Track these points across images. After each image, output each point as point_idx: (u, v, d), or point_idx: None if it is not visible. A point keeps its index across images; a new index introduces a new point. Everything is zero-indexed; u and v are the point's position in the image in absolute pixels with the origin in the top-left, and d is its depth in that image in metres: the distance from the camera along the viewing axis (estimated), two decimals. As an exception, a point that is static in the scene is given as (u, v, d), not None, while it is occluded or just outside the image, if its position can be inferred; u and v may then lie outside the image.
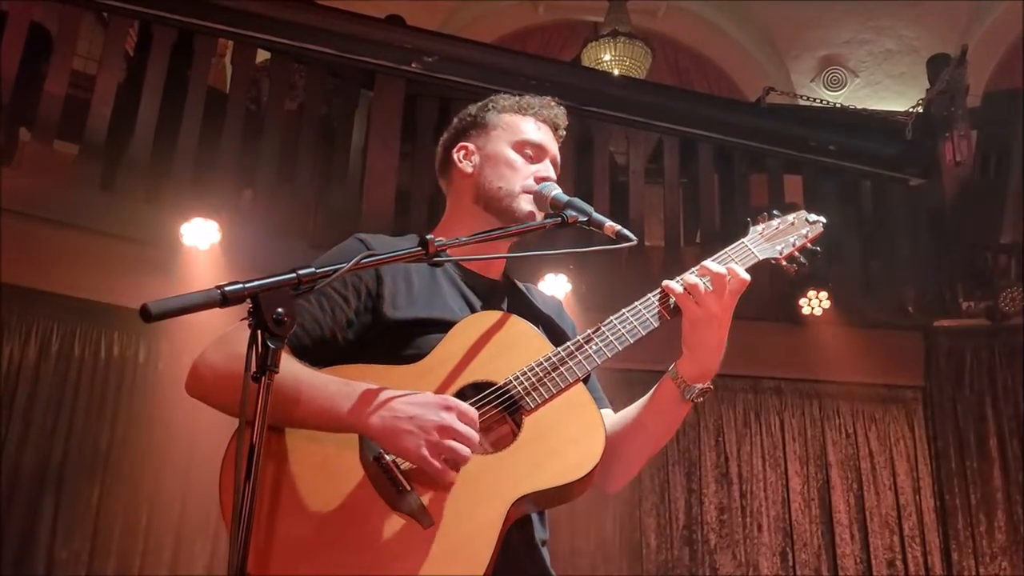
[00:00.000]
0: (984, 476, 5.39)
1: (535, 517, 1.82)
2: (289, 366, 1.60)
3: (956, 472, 5.46)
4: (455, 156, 2.00)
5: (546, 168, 1.97)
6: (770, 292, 5.18)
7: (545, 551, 1.84)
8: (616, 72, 7.51)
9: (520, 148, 1.97)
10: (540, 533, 1.84)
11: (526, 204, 1.91)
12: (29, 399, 4.36)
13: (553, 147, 2.02)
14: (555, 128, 2.04)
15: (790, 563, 5.39)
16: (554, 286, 5.02)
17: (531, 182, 1.93)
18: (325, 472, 1.63)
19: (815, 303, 5.31)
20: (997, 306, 5.38)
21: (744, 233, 1.95)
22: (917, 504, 5.49)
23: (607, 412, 1.98)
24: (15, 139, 4.83)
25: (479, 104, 2.05)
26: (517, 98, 2.04)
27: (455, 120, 2.07)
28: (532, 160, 1.97)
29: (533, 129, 1.99)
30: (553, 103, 2.05)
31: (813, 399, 5.63)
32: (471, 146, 2.00)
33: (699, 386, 1.79)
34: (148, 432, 4.56)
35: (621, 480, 1.92)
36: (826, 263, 5.47)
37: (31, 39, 4.66)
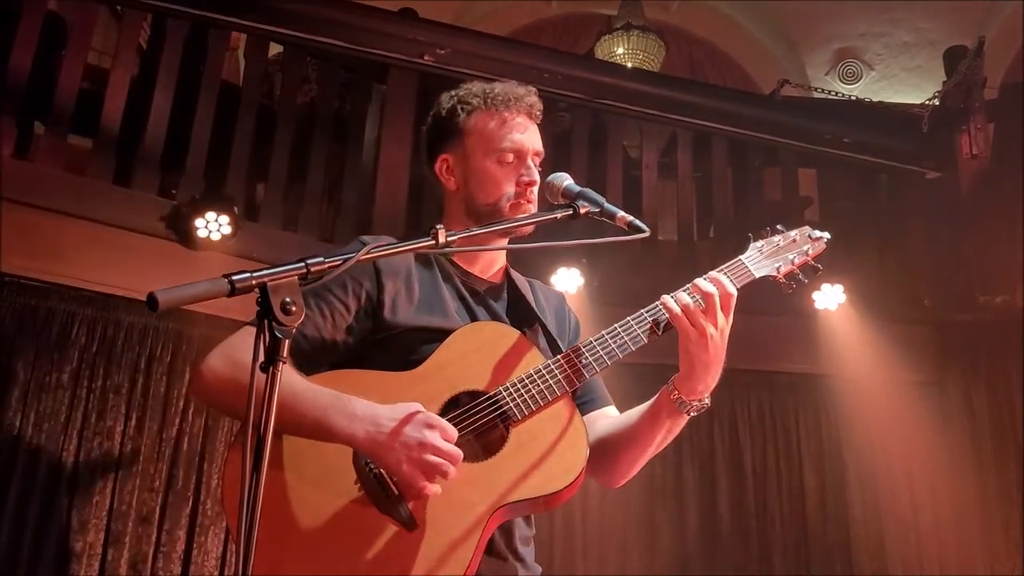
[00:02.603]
0: (1001, 472, 5.35)
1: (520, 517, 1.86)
2: (285, 375, 1.62)
3: (971, 468, 5.42)
4: (438, 172, 1.99)
5: (528, 171, 1.95)
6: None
7: (529, 549, 1.89)
8: (629, 65, 7.48)
9: (499, 157, 1.94)
10: (525, 531, 1.89)
11: (515, 214, 1.92)
12: (44, 392, 4.38)
13: (531, 140, 1.97)
14: (529, 114, 1.99)
15: (803, 558, 5.37)
16: (567, 280, 5.00)
17: (514, 190, 1.93)
18: (319, 476, 1.69)
19: (830, 297, 5.28)
20: (1014, 300, 5.33)
21: (743, 250, 1.96)
22: (932, 500, 5.45)
23: (610, 412, 2.03)
24: (30, 132, 4.85)
25: (448, 105, 2.00)
26: (484, 92, 1.98)
27: (429, 119, 2.04)
28: (513, 165, 1.95)
29: (507, 132, 1.94)
30: (521, 90, 2.00)
31: (827, 393, 5.59)
32: (450, 159, 1.98)
33: (695, 401, 1.81)
34: (162, 423, 4.58)
35: (622, 477, 1.96)
36: (842, 257, 5.43)
37: (46, 31, 4.67)
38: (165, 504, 4.51)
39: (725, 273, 1.86)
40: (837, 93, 6.96)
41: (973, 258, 5.55)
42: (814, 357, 5.43)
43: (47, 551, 4.22)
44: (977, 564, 5.24)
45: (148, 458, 4.52)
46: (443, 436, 1.62)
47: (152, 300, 1.22)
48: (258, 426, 1.30)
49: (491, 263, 2.02)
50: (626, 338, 1.81)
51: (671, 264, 5.62)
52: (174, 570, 4.44)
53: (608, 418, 1.99)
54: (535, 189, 1.95)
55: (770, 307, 4.96)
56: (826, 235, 2.04)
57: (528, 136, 1.98)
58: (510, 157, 1.94)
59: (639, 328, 1.82)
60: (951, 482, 5.46)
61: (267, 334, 1.29)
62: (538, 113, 2.02)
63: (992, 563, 5.21)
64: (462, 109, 1.98)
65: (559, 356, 1.82)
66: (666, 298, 1.80)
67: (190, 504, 4.55)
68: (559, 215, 1.84)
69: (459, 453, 1.63)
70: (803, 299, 5.28)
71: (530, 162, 1.96)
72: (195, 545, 4.52)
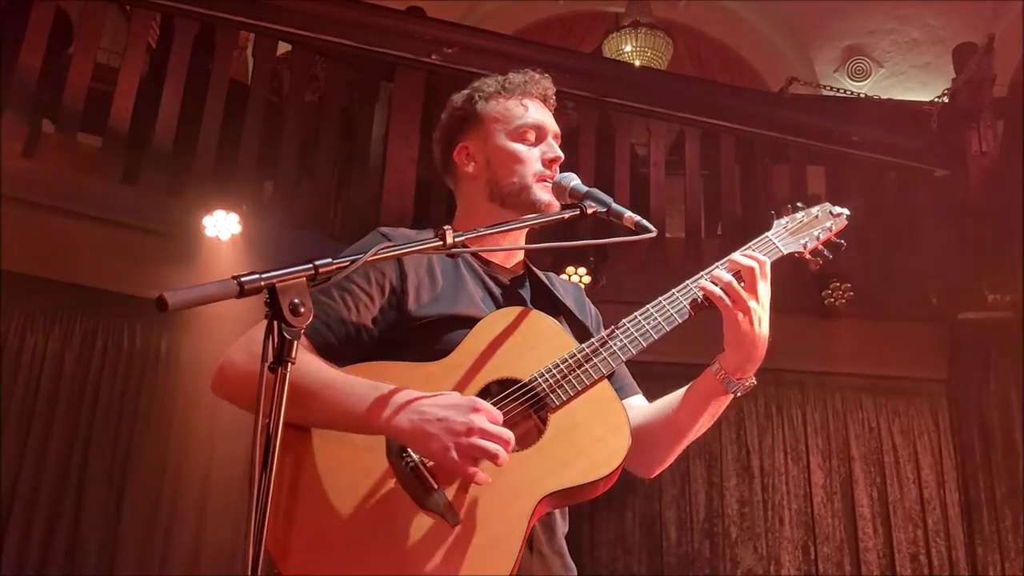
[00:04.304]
0: (1010, 470, 5.32)
1: (556, 511, 1.82)
2: (315, 367, 1.62)
3: (981, 466, 5.40)
4: (457, 159, 1.98)
5: (550, 148, 1.94)
6: (793, 284, 5.13)
7: (564, 543, 1.84)
8: (637, 63, 7.48)
9: (520, 136, 1.93)
10: (561, 526, 1.84)
11: (542, 193, 1.90)
12: (53, 389, 4.40)
13: (550, 122, 1.98)
14: (545, 99, 2.00)
15: (812, 557, 5.36)
16: (573, 279, 5.00)
17: (540, 167, 1.91)
18: (353, 471, 1.64)
19: (838, 295, 5.27)
20: (1023, 298, 5.31)
21: (768, 227, 1.94)
22: (941, 498, 5.44)
23: (639, 399, 1.99)
24: (38, 131, 4.86)
25: (463, 95, 2.01)
26: (500, 80, 2.00)
27: (444, 116, 2.03)
28: (534, 143, 1.94)
29: (526, 111, 1.95)
30: (536, 75, 2.01)
31: (836, 392, 5.58)
32: (470, 145, 1.96)
33: (743, 381, 1.78)
34: (170, 422, 4.59)
35: (659, 466, 1.93)
36: (850, 255, 5.41)
37: (55, 30, 4.68)
38: (172, 501, 4.52)
39: (754, 249, 1.85)
40: (846, 90, 6.94)
41: (982, 256, 5.53)
42: (822, 355, 5.42)
43: (54, 552, 4.24)
44: (986, 561, 5.22)
45: (156, 456, 4.53)
46: (490, 419, 1.57)
47: (161, 302, 1.21)
48: (267, 426, 1.30)
49: (510, 255, 1.99)
50: (660, 319, 1.77)
51: (678, 261, 5.61)
52: (183, 568, 4.46)
53: (638, 407, 1.95)
54: (559, 167, 1.93)
55: (777, 304, 4.95)
56: (846, 211, 2.02)
57: (546, 116, 1.98)
58: (531, 135, 1.93)
59: (672, 309, 1.78)
60: (960, 480, 5.45)
61: (276, 335, 1.29)
62: (552, 99, 2.02)
63: (1001, 561, 5.20)
64: (479, 96, 1.98)
65: (593, 339, 1.77)
66: (704, 282, 1.77)
67: (197, 502, 4.57)
68: (566, 215, 1.82)
69: (510, 435, 1.57)
70: (811, 297, 5.28)
71: (551, 140, 1.96)
72: (202, 542, 4.53)
